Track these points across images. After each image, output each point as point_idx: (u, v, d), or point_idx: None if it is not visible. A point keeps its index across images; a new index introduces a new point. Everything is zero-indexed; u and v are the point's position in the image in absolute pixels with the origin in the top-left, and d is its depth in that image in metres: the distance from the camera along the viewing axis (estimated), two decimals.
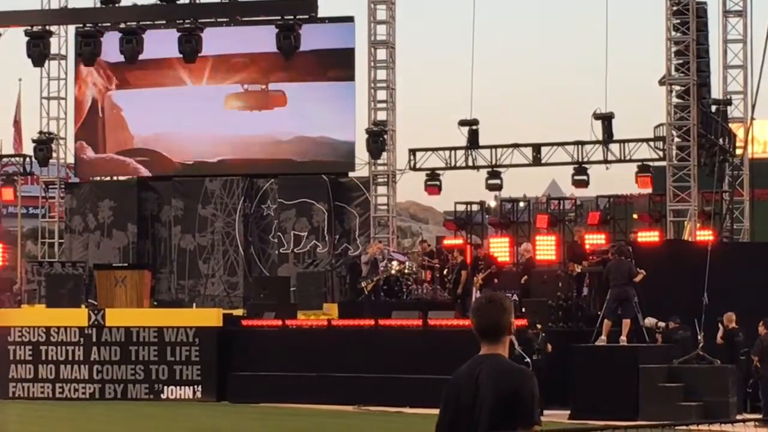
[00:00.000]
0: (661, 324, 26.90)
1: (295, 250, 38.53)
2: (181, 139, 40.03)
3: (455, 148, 37.80)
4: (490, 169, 37.30)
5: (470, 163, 37.74)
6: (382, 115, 38.15)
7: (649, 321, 26.70)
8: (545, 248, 33.34)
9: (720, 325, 25.98)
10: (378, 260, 32.93)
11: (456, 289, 31.21)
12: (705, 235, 32.33)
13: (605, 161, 36.26)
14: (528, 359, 24.68)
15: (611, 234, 35.77)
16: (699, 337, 25.54)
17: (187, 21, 31.08)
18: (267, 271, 38.58)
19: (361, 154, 38.41)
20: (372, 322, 29.88)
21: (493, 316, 6.81)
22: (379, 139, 37.29)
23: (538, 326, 27.06)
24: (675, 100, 34.42)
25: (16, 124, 41.99)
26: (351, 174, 39.16)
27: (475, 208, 39.56)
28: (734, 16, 38.25)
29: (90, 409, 28.73)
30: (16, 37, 31.68)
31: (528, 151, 37.09)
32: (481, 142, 37.65)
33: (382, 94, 38.25)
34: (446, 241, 37.46)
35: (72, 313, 31.52)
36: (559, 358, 26.21)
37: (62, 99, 40.24)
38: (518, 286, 30.74)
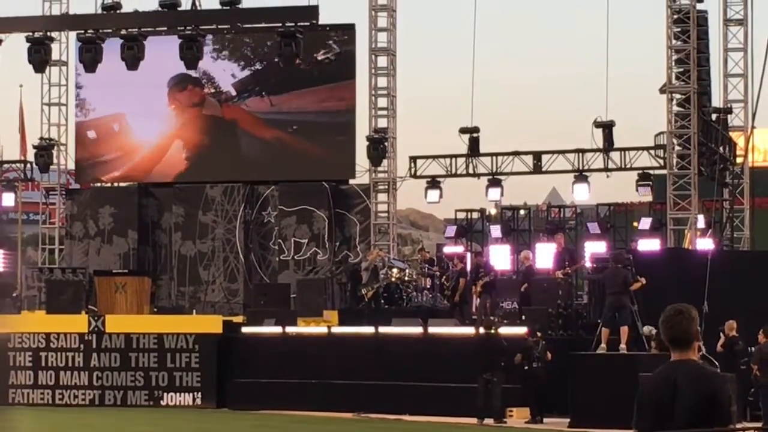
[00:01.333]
0: (655, 331, 26.85)
1: (295, 257, 38.52)
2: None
3: (456, 156, 37.75)
4: (490, 177, 37.27)
5: (471, 171, 37.69)
6: (382, 122, 38.14)
7: (647, 329, 26.67)
8: (545, 256, 33.31)
9: (721, 333, 25.96)
10: (378, 267, 32.91)
11: (453, 297, 31.21)
12: (705, 244, 32.33)
13: (606, 169, 36.20)
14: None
15: (611, 242, 35.77)
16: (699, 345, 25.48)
17: (188, 28, 31.08)
18: (267, 278, 38.56)
19: (362, 162, 38.46)
20: (372, 329, 29.88)
21: (683, 326, 7.47)
22: (379, 146, 37.25)
23: (538, 334, 27.04)
24: (675, 108, 34.40)
25: (22, 130, 41.98)
26: (351, 181, 39.16)
27: (475, 215, 39.59)
28: (735, 25, 38.24)
29: (89, 416, 28.70)
30: (18, 43, 31.73)
31: (528, 159, 37.04)
32: (482, 150, 37.59)
33: (382, 101, 38.22)
34: (446, 249, 37.44)
35: (72, 320, 31.53)
36: (558, 366, 26.19)
37: (63, 105, 40.27)
38: (518, 294, 30.72)
